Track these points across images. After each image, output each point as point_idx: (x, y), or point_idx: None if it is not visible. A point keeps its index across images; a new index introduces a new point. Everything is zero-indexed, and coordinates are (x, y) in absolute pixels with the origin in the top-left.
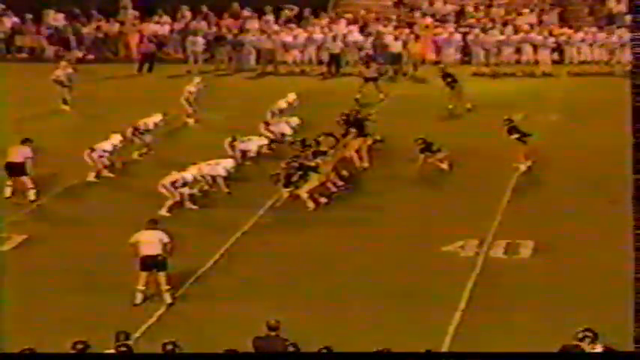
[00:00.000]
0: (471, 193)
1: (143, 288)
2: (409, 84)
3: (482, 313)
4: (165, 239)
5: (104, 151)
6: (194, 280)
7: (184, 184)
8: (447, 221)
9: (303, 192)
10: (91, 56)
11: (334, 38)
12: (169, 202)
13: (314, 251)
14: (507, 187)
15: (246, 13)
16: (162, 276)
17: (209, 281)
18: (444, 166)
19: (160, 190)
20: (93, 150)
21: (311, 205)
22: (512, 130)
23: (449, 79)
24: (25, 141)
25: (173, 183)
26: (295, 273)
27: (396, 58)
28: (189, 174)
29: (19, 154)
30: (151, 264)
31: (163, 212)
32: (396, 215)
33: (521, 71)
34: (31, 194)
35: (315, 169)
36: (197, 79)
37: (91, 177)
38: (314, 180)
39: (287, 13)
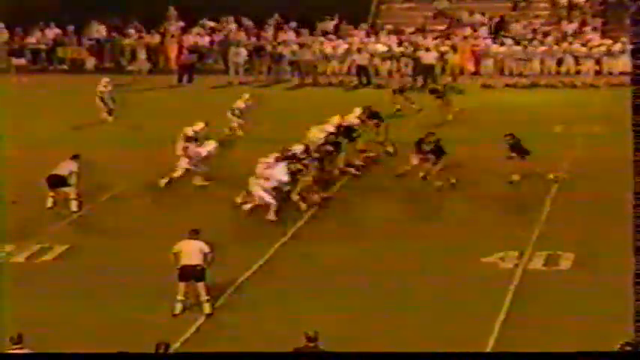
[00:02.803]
0: (510, 203)
1: (183, 298)
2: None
3: (521, 327)
4: (206, 249)
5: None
6: (234, 290)
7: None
8: (486, 232)
9: (294, 195)
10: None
11: (359, 50)
12: (273, 209)
13: (355, 263)
14: (547, 198)
15: (285, 25)
16: (201, 286)
17: (248, 291)
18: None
19: (257, 195)
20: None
21: (303, 206)
22: (513, 147)
23: (436, 95)
24: (75, 157)
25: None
26: (334, 284)
27: (428, 70)
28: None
29: (64, 167)
30: (189, 274)
31: (272, 217)
32: (435, 226)
33: (562, 82)
34: (74, 205)
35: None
36: (246, 95)
37: (198, 181)
38: (301, 182)
39: (325, 24)
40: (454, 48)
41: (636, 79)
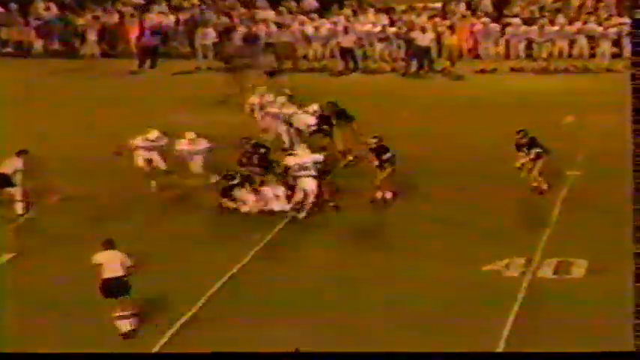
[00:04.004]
0: (516, 205)
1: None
2: (444, 81)
3: (529, 342)
4: (128, 262)
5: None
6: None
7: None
8: (489, 237)
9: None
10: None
11: (346, 30)
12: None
13: (340, 272)
14: (557, 199)
15: (260, 2)
16: (124, 301)
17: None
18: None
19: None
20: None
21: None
22: (533, 143)
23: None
24: (20, 153)
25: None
26: (321, 293)
27: (423, 53)
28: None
29: (9, 165)
30: (113, 287)
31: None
32: (431, 231)
33: (575, 66)
34: (19, 207)
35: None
36: (262, 89)
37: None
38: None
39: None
40: (451, 28)
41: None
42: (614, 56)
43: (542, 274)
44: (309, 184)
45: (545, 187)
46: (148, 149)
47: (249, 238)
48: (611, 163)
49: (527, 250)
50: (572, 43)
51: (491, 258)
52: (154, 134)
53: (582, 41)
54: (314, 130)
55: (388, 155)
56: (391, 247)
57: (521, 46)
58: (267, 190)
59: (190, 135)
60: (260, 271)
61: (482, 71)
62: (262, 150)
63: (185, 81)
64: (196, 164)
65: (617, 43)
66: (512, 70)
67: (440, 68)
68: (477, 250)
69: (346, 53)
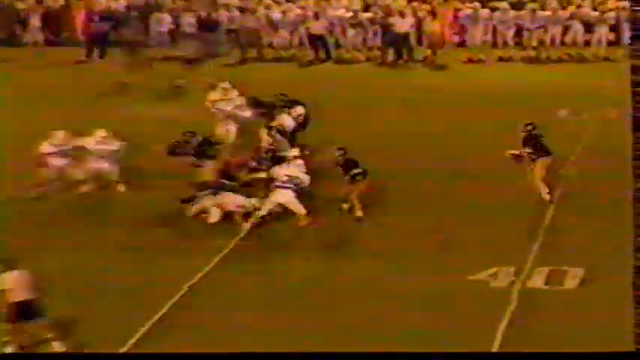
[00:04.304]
0: (505, 209)
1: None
2: (425, 72)
3: (518, 356)
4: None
5: None
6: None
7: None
8: (475, 245)
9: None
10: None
11: (316, 15)
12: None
13: (315, 279)
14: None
15: None
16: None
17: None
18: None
19: None
20: None
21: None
22: (530, 140)
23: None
24: None
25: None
26: (292, 302)
27: (402, 40)
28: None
29: None
30: (24, 311)
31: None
32: (410, 237)
33: (568, 55)
34: None
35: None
36: (224, 84)
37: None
38: None
39: None
40: (433, 13)
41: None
42: (612, 44)
43: (533, 284)
44: (285, 197)
45: (546, 196)
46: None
47: (212, 246)
48: (611, 162)
49: (517, 258)
50: (565, 29)
51: (477, 267)
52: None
53: (577, 27)
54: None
55: (359, 170)
56: (368, 257)
57: (510, 33)
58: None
59: (102, 133)
60: (222, 280)
61: (469, 61)
62: (212, 147)
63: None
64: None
65: (614, 28)
66: (501, 59)
67: (420, 57)
68: (462, 259)
69: (316, 41)
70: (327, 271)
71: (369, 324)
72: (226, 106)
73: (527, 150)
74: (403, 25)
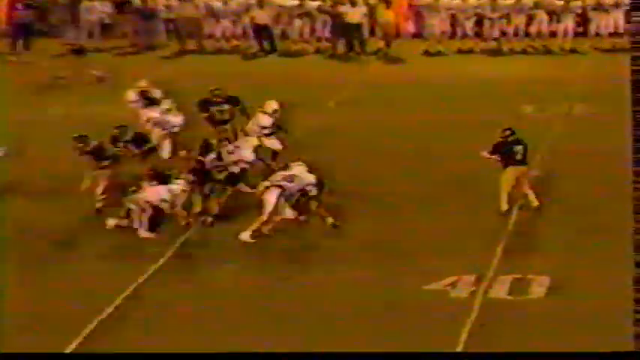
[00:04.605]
0: (465, 212)
1: None
2: (379, 65)
3: None
4: None
5: None
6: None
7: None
8: (432, 251)
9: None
10: None
11: (260, 3)
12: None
13: (238, 289)
14: (514, 205)
15: None
16: None
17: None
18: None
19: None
20: None
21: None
22: (501, 147)
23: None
24: None
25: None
26: (242, 315)
27: (353, 31)
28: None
29: None
30: None
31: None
32: (362, 244)
33: (532, 47)
34: None
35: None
36: (142, 83)
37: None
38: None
39: None
40: (386, 1)
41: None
42: (578, 35)
43: (496, 294)
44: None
45: (504, 207)
46: None
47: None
48: (578, 161)
49: (478, 266)
50: (529, 19)
51: (434, 275)
52: None
53: (542, 17)
54: (267, 134)
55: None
56: (319, 266)
57: (470, 23)
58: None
59: None
60: (158, 291)
61: (427, 53)
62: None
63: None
64: None
65: (582, 18)
66: (460, 51)
67: (374, 49)
68: (418, 267)
69: (261, 31)
70: (278, 280)
71: (313, 334)
72: (151, 111)
73: (495, 157)
74: (354, 14)
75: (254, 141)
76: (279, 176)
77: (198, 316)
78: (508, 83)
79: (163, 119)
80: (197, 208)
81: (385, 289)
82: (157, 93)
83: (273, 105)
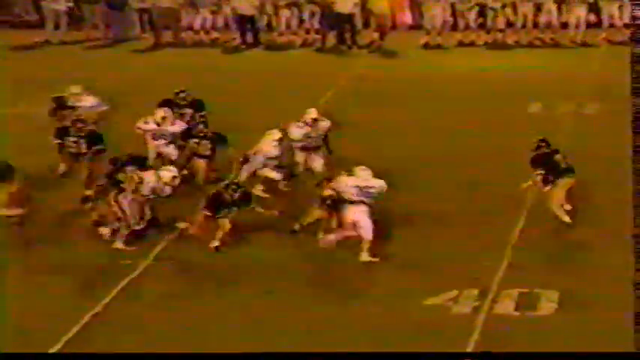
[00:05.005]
0: (467, 223)
1: None
2: (372, 59)
3: None
4: None
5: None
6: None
7: None
8: (432, 263)
9: None
10: None
11: None
12: None
13: (220, 316)
14: (521, 214)
15: None
16: None
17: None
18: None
19: None
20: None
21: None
22: (542, 159)
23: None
24: None
25: None
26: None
27: (344, 21)
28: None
29: None
30: None
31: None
32: (356, 258)
33: (540, 40)
34: None
35: None
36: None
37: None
38: None
39: None
40: None
41: None
42: (591, 26)
43: (501, 309)
44: (360, 215)
45: (566, 219)
46: None
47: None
48: (590, 166)
49: (481, 279)
50: (538, 8)
51: (435, 289)
52: None
53: (550, 6)
54: (307, 148)
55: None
56: (296, 281)
57: (472, 13)
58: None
59: None
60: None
61: (425, 46)
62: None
63: (30, 59)
64: None
65: (594, 8)
66: (461, 44)
67: (367, 42)
68: (417, 281)
69: (244, 22)
70: (252, 298)
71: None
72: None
73: (540, 171)
74: (345, 3)
75: (275, 134)
76: (352, 189)
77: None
78: (513, 79)
79: (160, 130)
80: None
81: (381, 303)
82: (87, 100)
83: (311, 113)
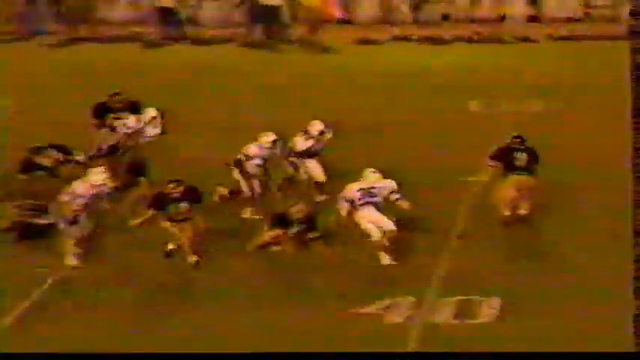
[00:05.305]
0: (403, 224)
1: None
2: (302, 55)
3: None
4: None
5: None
6: None
7: None
8: (364, 270)
9: None
10: None
11: None
12: None
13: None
14: (457, 214)
15: None
16: None
17: None
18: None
19: None
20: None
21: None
22: (500, 154)
23: None
24: None
25: None
26: None
27: (271, 15)
28: None
29: None
30: None
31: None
32: (281, 261)
33: (478, 34)
34: None
35: None
36: (152, 113)
37: None
38: None
39: None
40: None
41: None
42: (531, 20)
43: (439, 318)
44: (374, 216)
45: (506, 212)
46: None
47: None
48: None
49: (417, 287)
50: (474, 0)
51: (367, 298)
52: None
53: None
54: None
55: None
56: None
57: (406, 6)
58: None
59: None
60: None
61: (358, 41)
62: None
63: None
64: None
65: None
66: (396, 39)
67: (297, 37)
68: (348, 289)
69: (166, 15)
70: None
71: None
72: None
73: (493, 163)
74: None
75: (270, 136)
76: (356, 193)
77: None
78: (451, 76)
79: (140, 129)
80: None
81: (309, 313)
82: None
83: (317, 125)
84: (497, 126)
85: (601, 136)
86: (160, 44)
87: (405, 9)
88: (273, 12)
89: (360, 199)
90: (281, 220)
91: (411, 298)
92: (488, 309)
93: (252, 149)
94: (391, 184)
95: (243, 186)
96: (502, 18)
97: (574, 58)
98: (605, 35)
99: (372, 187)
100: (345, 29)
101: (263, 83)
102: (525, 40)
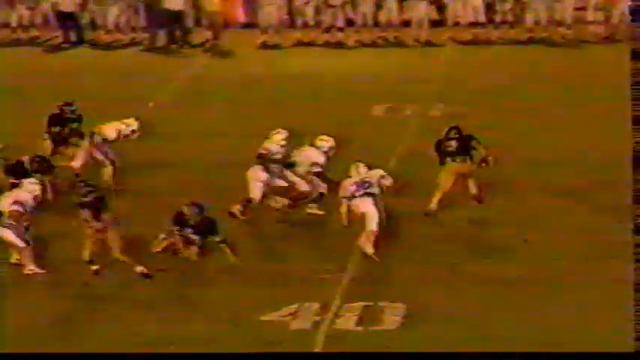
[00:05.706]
0: (306, 232)
1: None
2: (207, 59)
3: None
4: None
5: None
6: None
7: None
8: (268, 275)
9: None
10: None
11: None
12: None
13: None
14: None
15: None
16: None
17: None
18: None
19: None
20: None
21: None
22: (437, 146)
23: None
24: None
25: None
26: None
27: (174, 19)
28: None
29: None
30: None
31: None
32: (183, 266)
33: (383, 39)
34: None
35: None
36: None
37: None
38: None
39: None
40: None
41: None
42: (434, 24)
43: (343, 324)
44: (367, 207)
45: (434, 207)
46: None
47: None
48: (436, 170)
49: (322, 292)
50: (378, 6)
51: (272, 303)
52: None
53: (391, 4)
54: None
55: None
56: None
57: (309, 9)
58: None
59: None
60: None
61: (264, 46)
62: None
63: None
64: None
65: (438, 5)
66: (300, 44)
67: (200, 41)
68: (252, 294)
69: (66, 19)
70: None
71: None
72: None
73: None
74: (175, 0)
75: (282, 133)
76: (351, 187)
77: None
78: (355, 80)
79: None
80: None
81: (215, 320)
82: None
83: (329, 142)
84: (402, 130)
85: (505, 138)
86: (59, 48)
87: (309, 13)
88: (175, 16)
89: (357, 191)
90: (177, 220)
91: (316, 304)
92: (392, 315)
93: (272, 147)
94: (379, 171)
95: (302, 185)
96: (406, 23)
97: (477, 63)
98: (508, 40)
99: (365, 178)
100: (249, 34)
101: (163, 89)
102: (428, 44)
